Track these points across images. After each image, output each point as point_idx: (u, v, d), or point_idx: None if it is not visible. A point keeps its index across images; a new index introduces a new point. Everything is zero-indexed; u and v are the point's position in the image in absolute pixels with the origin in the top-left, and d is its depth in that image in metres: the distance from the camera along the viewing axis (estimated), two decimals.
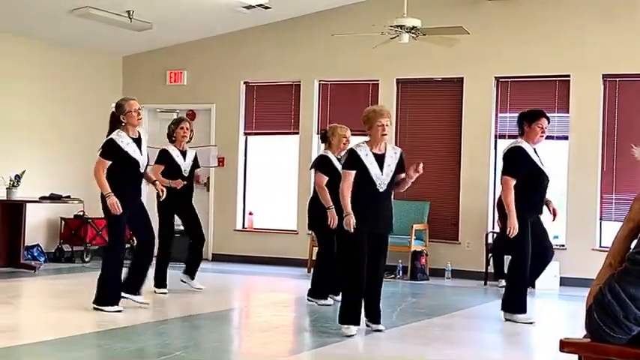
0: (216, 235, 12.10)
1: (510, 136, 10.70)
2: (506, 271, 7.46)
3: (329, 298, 7.85)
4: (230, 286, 10.07)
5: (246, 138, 12.11)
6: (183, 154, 8.55)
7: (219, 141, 12.10)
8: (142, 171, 7.21)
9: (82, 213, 11.16)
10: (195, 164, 8.71)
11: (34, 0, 9.96)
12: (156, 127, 12.37)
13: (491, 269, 10.14)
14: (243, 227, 12.08)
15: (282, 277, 10.56)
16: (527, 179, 7.05)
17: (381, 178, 6.34)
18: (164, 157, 8.44)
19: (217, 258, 11.97)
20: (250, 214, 12.08)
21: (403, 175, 6.51)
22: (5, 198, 10.09)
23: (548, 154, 11.01)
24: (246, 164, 12.12)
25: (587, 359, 2.65)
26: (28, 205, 10.27)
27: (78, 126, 11.66)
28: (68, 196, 10.63)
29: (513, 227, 6.87)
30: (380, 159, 6.39)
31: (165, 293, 8.46)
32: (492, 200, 10.18)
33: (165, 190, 7.62)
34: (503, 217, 7.08)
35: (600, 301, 2.66)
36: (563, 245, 10.29)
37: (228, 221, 12.03)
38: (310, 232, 9.58)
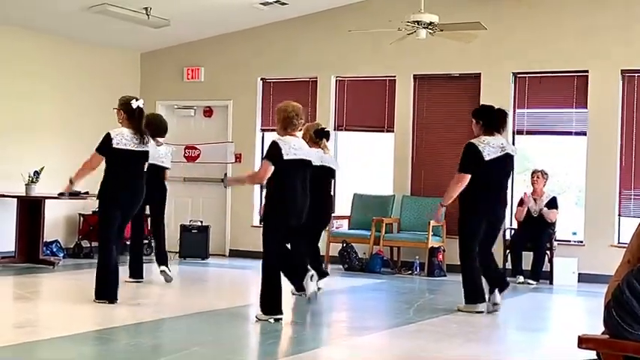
0: (232, 231, 12.13)
1: (528, 132, 10.70)
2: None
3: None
4: (247, 281, 10.08)
5: (263, 134, 12.12)
6: None
7: (235, 137, 12.12)
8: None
9: None
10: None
11: None
12: (173, 124, 12.41)
13: (509, 265, 10.12)
14: (260, 223, 12.05)
15: None
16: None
17: None
18: None
19: (234, 254, 12.00)
20: None
21: None
22: (24, 194, 10.15)
23: (566, 150, 11.08)
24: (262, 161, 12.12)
25: (605, 356, 2.64)
26: (47, 201, 10.33)
27: (96, 122, 11.68)
28: (87, 193, 10.66)
29: None
30: None
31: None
32: (510, 196, 10.14)
33: None
34: None
35: (618, 298, 2.65)
36: (581, 241, 10.25)
37: (244, 217, 12.06)
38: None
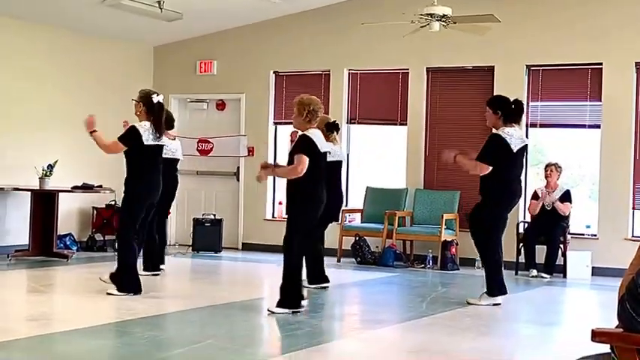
0: (245, 225, 12.15)
1: (542, 125, 10.66)
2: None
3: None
4: (260, 275, 10.11)
5: (276, 127, 12.12)
6: None
7: (248, 130, 12.13)
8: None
9: (113, 202, 11.25)
10: None
11: None
12: (186, 117, 12.45)
13: (522, 259, 10.09)
14: (273, 217, 12.11)
15: None
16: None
17: None
18: None
19: (247, 247, 12.02)
20: (280, 203, 12.10)
21: None
22: (38, 187, 10.19)
23: (580, 143, 11.03)
24: (275, 154, 12.14)
25: (619, 349, 2.63)
26: (60, 194, 10.38)
27: (109, 116, 11.72)
28: (100, 186, 10.71)
29: None
30: None
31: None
32: (524, 189, 10.11)
33: None
34: None
35: (633, 291, 2.64)
36: (595, 235, 10.22)
37: (257, 211, 12.07)
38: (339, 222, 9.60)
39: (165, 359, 5.11)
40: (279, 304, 6.67)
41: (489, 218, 7.42)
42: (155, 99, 7.37)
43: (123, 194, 7.42)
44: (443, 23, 8.93)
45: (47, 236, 10.29)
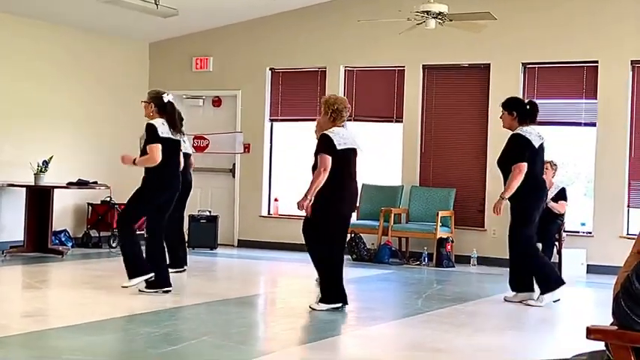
0: (241, 221, 12.15)
1: (538, 123, 10.62)
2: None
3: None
4: (255, 272, 10.11)
5: (272, 124, 12.12)
6: None
7: (244, 127, 12.12)
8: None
9: (109, 198, 11.24)
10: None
11: None
12: (182, 114, 12.41)
13: None
14: (269, 213, 12.11)
15: (307, 263, 10.54)
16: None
17: None
18: None
19: (243, 244, 12.02)
20: (276, 200, 12.11)
21: None
22: (33, 183, 10.18)
23: (575, 141, 11.04)
24: (271, 150, 12.14)
25: (613, 347, 2.63)
26: (55, 190, 10.36)
27: (105, 112, 11.74)
28: (95, 182, 10.71)
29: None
30: None
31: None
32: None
33: None
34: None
35: (628, 289, 2.64)
36: (590, 232, 10.23)
37: (253, 207, 12.07)
38: None
39: (160, 356, 5.11)
40: (320, 301, 6.76)
41: (523, 216, 7.47)
42: (165, 98, 7.37)
43: (139, 187, 7.34)
44: (439, 20, 8.94)
45: (42, 232, 10.27)
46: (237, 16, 11.85)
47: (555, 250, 9.93)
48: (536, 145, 7.44)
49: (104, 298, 7.11)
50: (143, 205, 7.32)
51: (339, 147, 6.66)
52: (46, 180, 10.22)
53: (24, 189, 10.27)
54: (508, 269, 7.73)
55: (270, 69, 12.04)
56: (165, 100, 7.36)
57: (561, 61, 10.43)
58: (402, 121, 11.25)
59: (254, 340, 6.03)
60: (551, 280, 7.46)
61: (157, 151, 7.15)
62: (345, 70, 11.59)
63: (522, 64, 10.59)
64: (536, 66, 10.57)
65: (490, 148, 10.61)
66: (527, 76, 10.61)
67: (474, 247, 10.56)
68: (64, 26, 11.29)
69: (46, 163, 10.18)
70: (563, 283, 7.52)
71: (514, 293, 7.61)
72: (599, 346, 2.74)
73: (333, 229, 6.81)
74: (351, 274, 9.67)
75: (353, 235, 10.73)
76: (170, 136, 7.32)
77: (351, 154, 6.81)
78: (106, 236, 11.34)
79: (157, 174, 7.26)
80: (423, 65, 11.11)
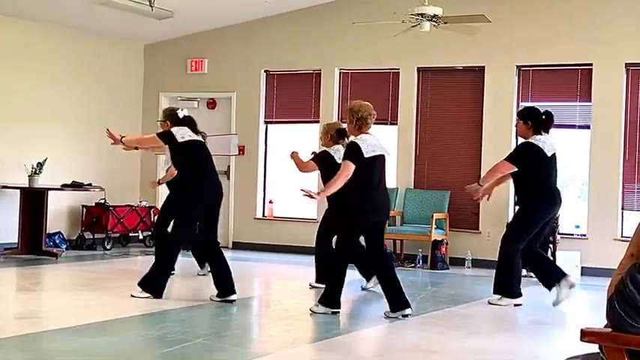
0: (236, 223, 12.14)
1: None
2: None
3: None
4: (250, 274, 10.10)
5: (267, 126, 12.12)
6: None
7: (239, 129, 12.11)
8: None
9: (103, 201, 11.23)
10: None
11: None
12: None
13: None
14: (264, 215, 12.10)
15: (301, 265, 10.57)
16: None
17: None
18: None
19: (237, 246, 12.01)
20: (270, 202, 12.11)
21: None
22: (27, 185, 10.17)
23: (569, 143, 11.05)
24: (266, 153, 12.14)
25: (607, 349, 2.64)
26: (50, 192, 10.35)
27: (100, 114, 11.72)
28: (90, 184, 10.69)
29: None
30: None
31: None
32: (514, 190, 10.13)
33: None
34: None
35: (622, 291, 2.64)
36: (584, 235, 10.25)
37: (248, 209, 12.06)
38: None
39: (155, 358, 5.10)
40: (320, 302, 6.76)
41: (526, 222, 7.53)
42: (181, 114, 7.36)
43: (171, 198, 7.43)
44: (434, 23, 8.94)
45: (36, 234, 10.26)
46: (232, 18, 11.85)
47: (549, 252, 9.94)
48: (549, 154, 7.48)
49: (98, 300, 7.10)
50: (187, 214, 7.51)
51: (366, 155, 6.61)
52: (41, 182, 10.20)
53: (18, 191, 10.26)
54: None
55: (265, 71, 12.04)
56: (181, 116, 7.35)
57: (556, 63, 10.45)
58: (396, 124, 11.25)
59: (249, 342, 6.03)
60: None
61: (149, 140, 7.47)
62: (340, 73, 11.59)
63: (517, 66, 10.60)
64: (531, 68, 10.59)
65: (484, 151, 10.63)
66: (521, 78, 10.63)
67: (468, 250, 10.57)
68: (59, 27, 11.28)
69: (40, 165, 10.16)
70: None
71: (499, 296, 7.61)
72: (594, 348, 2.75)
73: (351, 235, 6.82)
74: (346, 276, 9.66)
75: None
76: (189, 138, 7.22)
77: (378, 162, 6.75)
78: (100, 238, 11.32)
79: (187, 183, 7.30)
80: (418, 68, 11.13)
